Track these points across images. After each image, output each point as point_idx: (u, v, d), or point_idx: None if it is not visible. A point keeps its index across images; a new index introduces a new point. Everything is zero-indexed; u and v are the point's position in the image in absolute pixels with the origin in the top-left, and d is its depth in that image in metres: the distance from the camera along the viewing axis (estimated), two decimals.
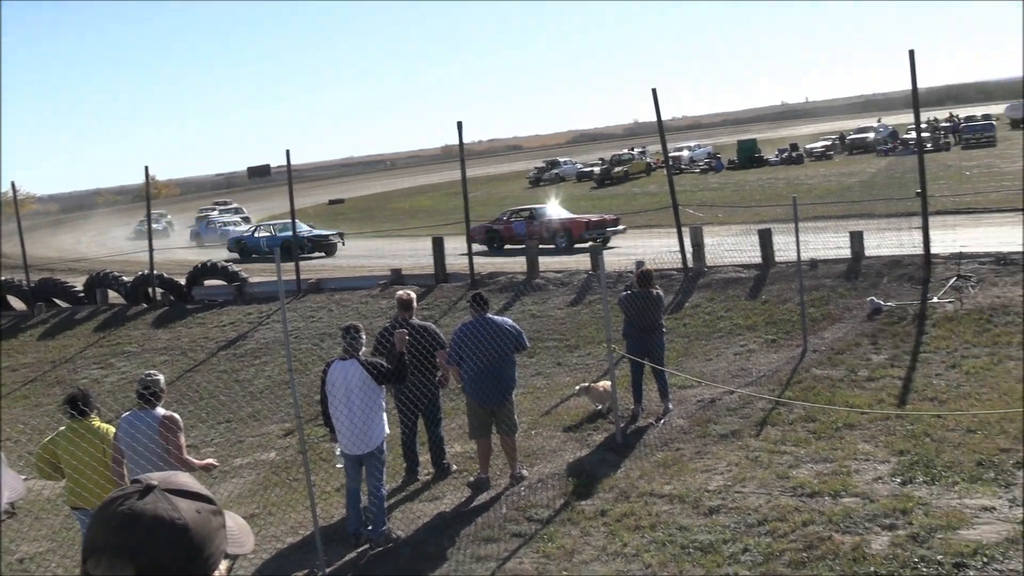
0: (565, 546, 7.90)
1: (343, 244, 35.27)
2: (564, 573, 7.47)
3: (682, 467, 9.36)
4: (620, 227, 29.33)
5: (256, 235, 37.72)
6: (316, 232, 35.79)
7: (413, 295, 10.46)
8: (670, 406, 11.32)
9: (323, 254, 34.40)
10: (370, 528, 8.53)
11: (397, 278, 21.59)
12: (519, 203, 43.19)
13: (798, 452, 9.33)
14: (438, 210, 45.93)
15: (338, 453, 8.85)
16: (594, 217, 30.48)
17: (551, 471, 9.78)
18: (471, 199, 21.44)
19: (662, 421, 10.96)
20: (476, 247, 25.13)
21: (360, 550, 8.46)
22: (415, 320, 10.21)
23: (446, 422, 11.10)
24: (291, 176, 23.44)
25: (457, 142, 20.84)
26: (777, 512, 7.92)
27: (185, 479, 1.87)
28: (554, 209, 32.53)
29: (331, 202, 77.91)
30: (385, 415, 8.65)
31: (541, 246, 22.41)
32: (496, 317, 9.89)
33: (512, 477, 9.62)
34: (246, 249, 36.74)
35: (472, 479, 9.74)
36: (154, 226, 49.94)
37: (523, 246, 23.77)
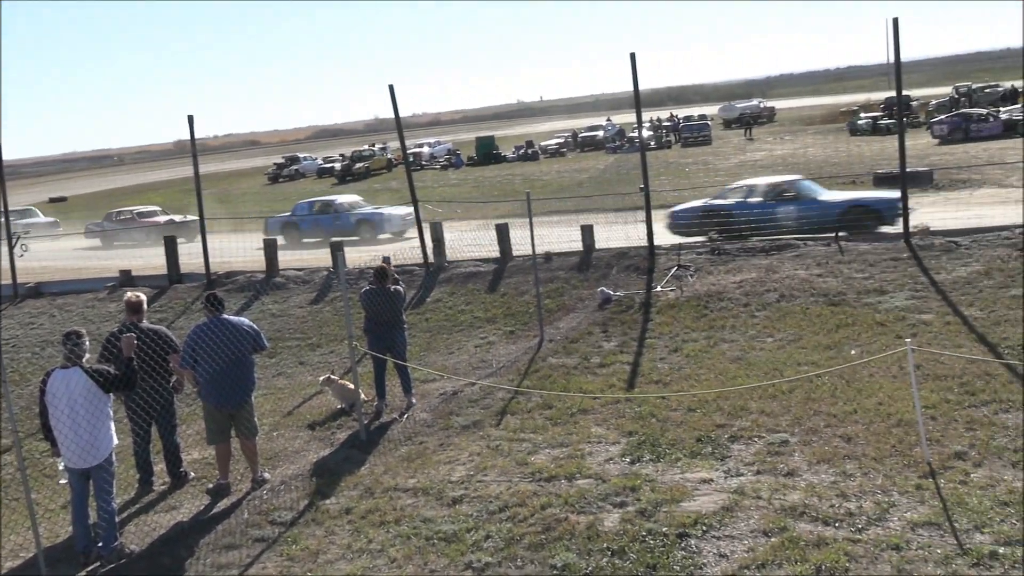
0: (310, 547, 7.80)
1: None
2: (309, 574, 7.39)
3: (426, 460, 9.48)
4: None
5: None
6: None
7: (143, 297, 9.97)
8: (413, 400, 11.42)
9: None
10: (100, 545, 8.05)
11: (127, 279, 20.50)
12: (260, 200, 41.87)
13: (536, 439, 9.67)
14: (170, 208, 43.80)
15: (62, 468, 8.29)
16: None
17: (294, 472, 9.62)
18: (206, 196, 20.66)
19: (405, 416, 11.04)
20: None
21: (90, 568, 7.97)
22: (145, 323, 9.74)
23: (183, 428, 10.67)
24: (3, 172, 21.69)
25: (189, 137, 20.06)
26: (517, 498, 8.18)
27: None
28: None
29: (52, 200, 72.58)
30: (113, 424, 8.19)
31: None
32: (232, 317, 9.60)
33: (253, 481, 9.38)
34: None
35: (211, 486, 9.40)
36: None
37: None
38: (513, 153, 68.24)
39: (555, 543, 7.28)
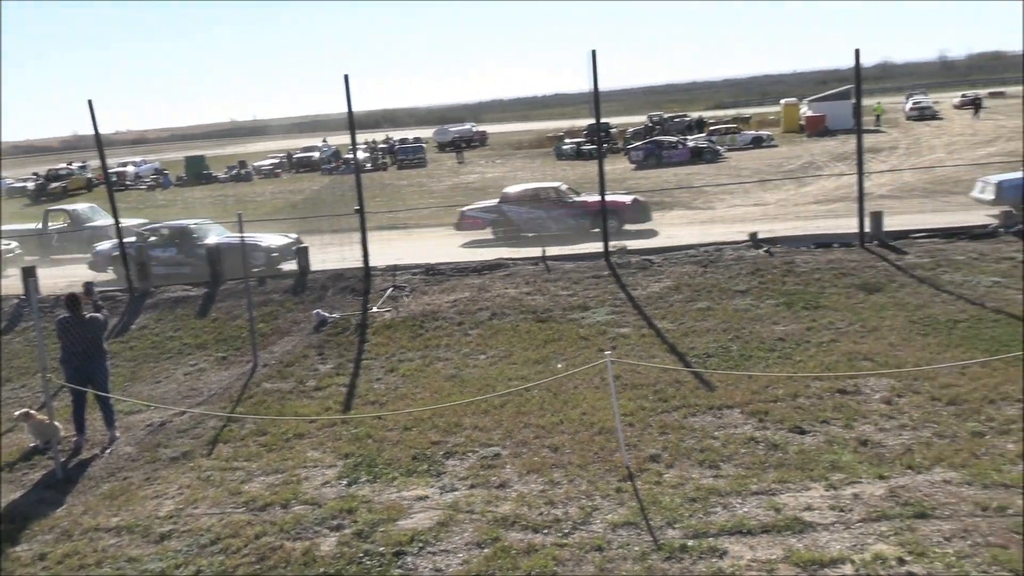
0: None
1: None
2: None
3: (131, 496, 8.99)
4: None
5: None
6: None
7: None
8: (116, 434, 10.79)
9: None
10: None
11: None
12: None
13: (250, 466, 9.43)
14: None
15: None
16: None
17: None
18: None
19: (108, 450, 10.41)
20: None
21: None
22: None
23: None
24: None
25: None
26: (230, 529, 7.94)
27: None
28: None
29: None
30: None
31: None
32: None
33: None
34: None
35: None
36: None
37: None
38: (225, 173, 66.26)
39: (270, 572, 7.13)
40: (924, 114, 70.09)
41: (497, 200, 25.47)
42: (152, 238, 21.35)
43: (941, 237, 16.67)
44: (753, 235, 17.54)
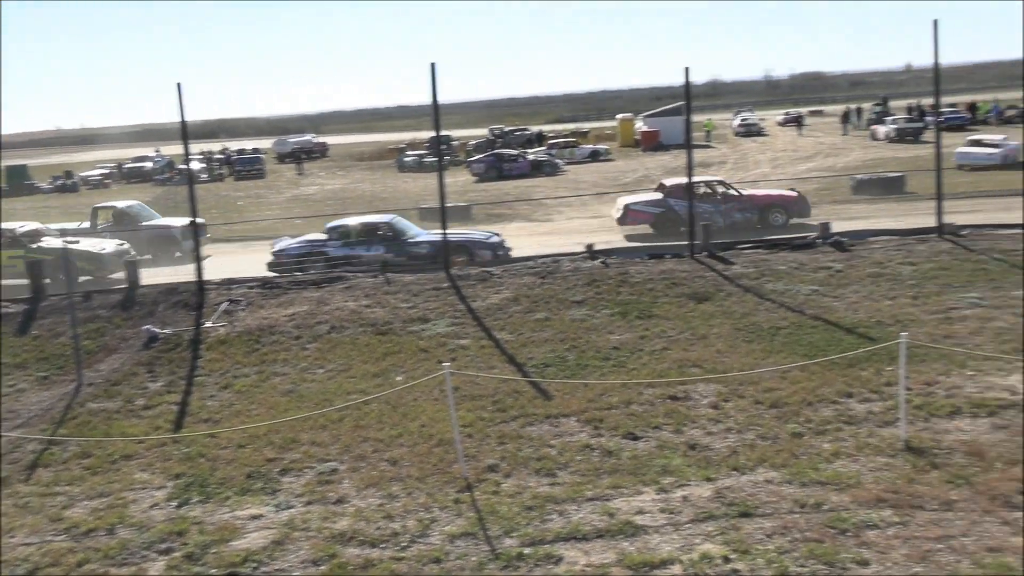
0: None
1: None
2: None
3: None
4: None
5: None
6: None
7: None
8: None
9: None
10: None
11: None
12: None
13: (72, 491, 8.99)
14: None
15: None
16: None
17: None
18: None
19: None
20: None
21: None
22: None
23: None
24: None
25: None
26: (49, 557, 7.56)
27: None
28: None
29: None
30: None
31: None
32: None
33: None
34: None
35: None
36: None
37: None
38: (49, 184, 63.18)
39: None
40: (751, 130, 73.43)
41: (660, 194, 24.75)
42: (347, 235, 20.09)
43: (765, 248, 17.49)
44: (590, 247, 17.94)
